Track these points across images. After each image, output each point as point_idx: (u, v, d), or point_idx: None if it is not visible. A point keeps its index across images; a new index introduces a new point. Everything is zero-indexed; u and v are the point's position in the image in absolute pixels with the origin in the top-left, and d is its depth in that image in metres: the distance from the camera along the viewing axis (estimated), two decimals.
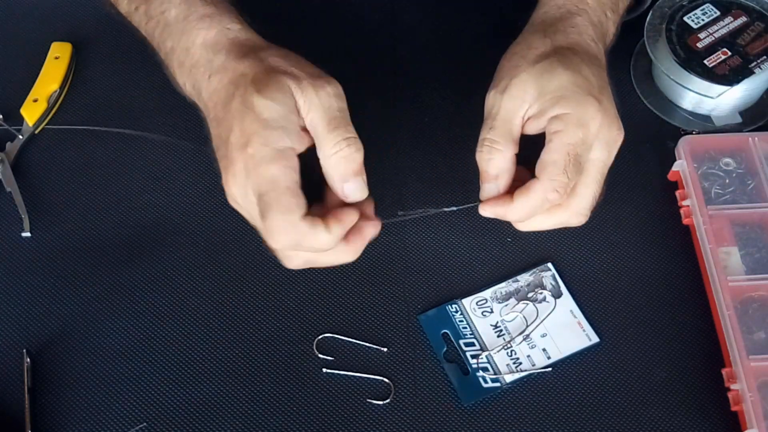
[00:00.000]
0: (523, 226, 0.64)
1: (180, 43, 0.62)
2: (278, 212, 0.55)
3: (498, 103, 0.61)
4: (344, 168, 0.57)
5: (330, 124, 0.56)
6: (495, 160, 0.61)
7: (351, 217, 0.58)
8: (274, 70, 0.57)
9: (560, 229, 0.72)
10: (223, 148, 0.57)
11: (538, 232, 0.63)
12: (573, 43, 0.63)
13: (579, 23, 0.64)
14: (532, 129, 0.61)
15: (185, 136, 0.78)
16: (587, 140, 0.60)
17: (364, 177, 0.58)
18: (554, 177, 0.59)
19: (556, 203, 0.61)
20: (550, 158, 0.59)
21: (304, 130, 0.57)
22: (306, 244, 0.57)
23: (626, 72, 0.83)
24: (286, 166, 0.55)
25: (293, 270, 0.72)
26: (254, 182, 0.55)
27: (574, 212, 0.62)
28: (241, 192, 0.57)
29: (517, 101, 0.61)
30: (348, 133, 0.57)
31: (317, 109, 0.56)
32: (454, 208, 0.65)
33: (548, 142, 0.60)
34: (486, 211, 0.63)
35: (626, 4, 0.70)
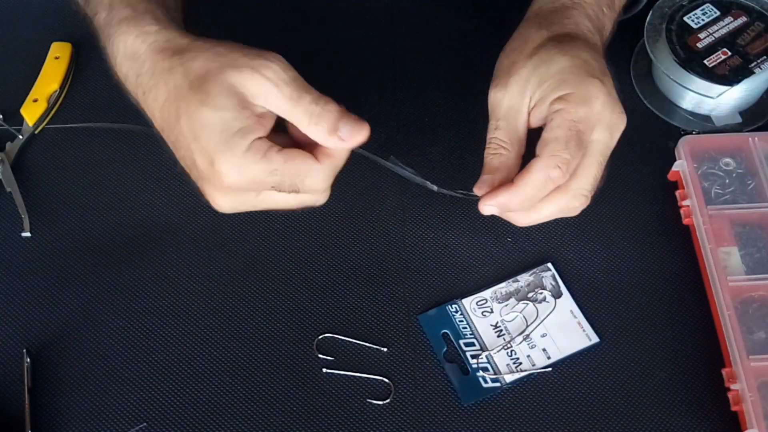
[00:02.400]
0: (525, 218, 0.62)
1: (111, 52, 0.60)
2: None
3: (500, 102, 0.61)
4: (328, 124, 0.54)
5: (291, 99, 0.53)
6: (501, 157, 0.60)
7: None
8: (209, 73, 0.54)
9: (561, 226, 0.73)
10: (195, 170, 0.56)
11: (538, 228, 0.62)
12: (569, 32, 0.62)
13: (574, 15, 0.63)
14: (537, 119, 0.60)
15: None
16: (590, 119, 0.58)
17: (352, 116, 0.55)
18: (556, 152, 0.57)
19: (559, 182, 0.58)
20: (552, 135, 0.58)
21: (260, 115, 0.54)
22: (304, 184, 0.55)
23: (626, 72, 0.83)
24: (261, 159, 0.54)
25: (293, 270, 0.72)
26: (243, 183, 0.55)
27: (575, 194, 0.60)
28: (231, 200, 0.57)
29: (519, 98, 0.60)
30: (311, 97, 0.54)
31: (271, 91, 0.53)
32: (435, 188, 0.64)
33: (549, 122, 0.59)
34: (487, 203, 0.60)
35: (623, 2, 0.70)
